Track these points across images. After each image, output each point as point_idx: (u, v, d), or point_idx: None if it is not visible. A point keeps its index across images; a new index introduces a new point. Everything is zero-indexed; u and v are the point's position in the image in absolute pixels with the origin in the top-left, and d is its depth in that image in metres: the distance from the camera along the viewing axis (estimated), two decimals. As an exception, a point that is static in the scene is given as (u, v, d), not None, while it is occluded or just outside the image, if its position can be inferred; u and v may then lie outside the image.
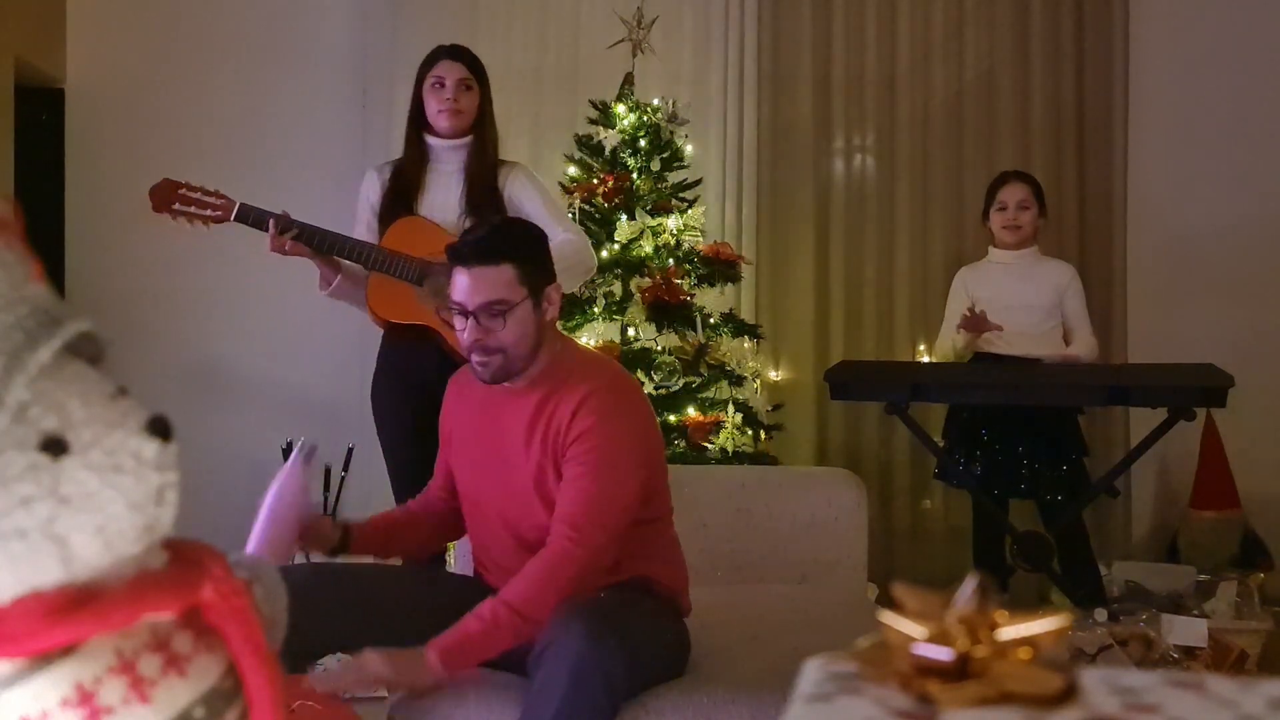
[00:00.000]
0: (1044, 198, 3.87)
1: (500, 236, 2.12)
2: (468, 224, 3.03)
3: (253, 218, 3.00)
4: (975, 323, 3.62)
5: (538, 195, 3.12)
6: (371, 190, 3.15)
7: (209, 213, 3.02)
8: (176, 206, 3.02)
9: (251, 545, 1.86)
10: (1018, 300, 3.76)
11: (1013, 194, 3.80)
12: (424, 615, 2.07)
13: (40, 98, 4.37)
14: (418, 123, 3.11)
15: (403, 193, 3.08)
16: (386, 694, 2.12)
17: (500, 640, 1.94)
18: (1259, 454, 4.29)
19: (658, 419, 3.69)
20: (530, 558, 2.02)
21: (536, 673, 1.90)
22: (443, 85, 3.05)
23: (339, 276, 3.08)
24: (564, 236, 3.03)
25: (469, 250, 2.08)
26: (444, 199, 3.06)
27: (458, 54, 3.10)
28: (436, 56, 3.10)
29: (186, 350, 4.43)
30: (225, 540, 1.01)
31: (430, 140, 3.09)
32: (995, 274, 3.84)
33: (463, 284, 2.07)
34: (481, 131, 3.10)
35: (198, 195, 3.02)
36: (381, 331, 3.16)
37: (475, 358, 2.10)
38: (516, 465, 2.13)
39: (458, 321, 2.10)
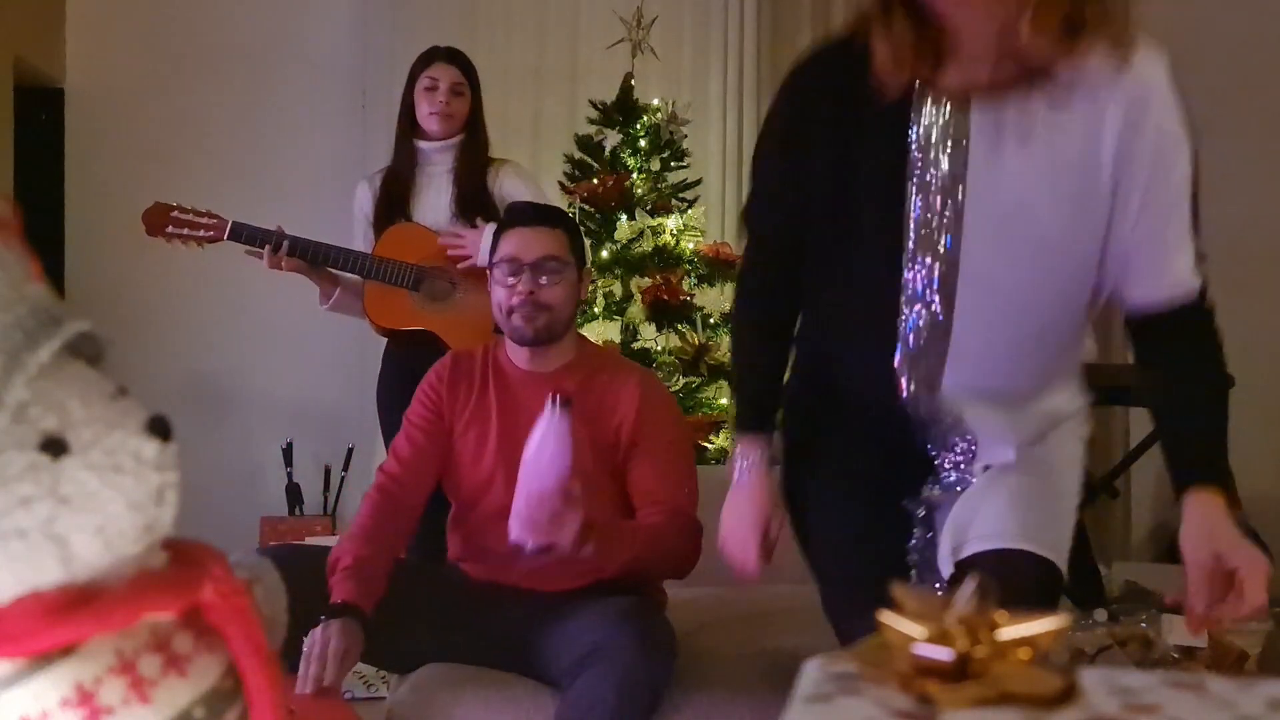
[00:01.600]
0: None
1: (556, 208, 2.32)
2: (459, 226, 3.04)
3: (245, 235, 3.00)
4: None
5: (529, 192, 3.12)
6: (364, 200, 3.16)
7: (202, 234, 3.03)
8: (170, 230, 3.03)
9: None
10: None
11: None
12: (420, 610, 2.07)
13: (40, 98, 4.38)
14: (408, 124, 3.11)
15: (395, 198, 3.09)
16: (385, 695, 2.12)
17: (634, 552, 1.96)
18: (1259, 454, 4.29)
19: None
20: None
21: (575, 679, 1.85)
22: (436, 88, 3.04)
23: (337, 290, 3.09)
24: None
25: (531, 210, 2.25)
26: (435, 201, 3.06)
27: (453, 57, 3.09)
28: (432, 58, 3.09)
29: (186, 349, 4.44)
30: (225, 541, 1.01)
31: (419, 144, 3.09)
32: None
33: (521, 239, 2.15)
34: (473, 133, 3.10)
35: (189, 217, 3.04)
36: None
37: (520, 314, 2.12)
38: None
39: (507, 279, 2.14)
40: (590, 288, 3.76)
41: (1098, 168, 1.42)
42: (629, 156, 3.90)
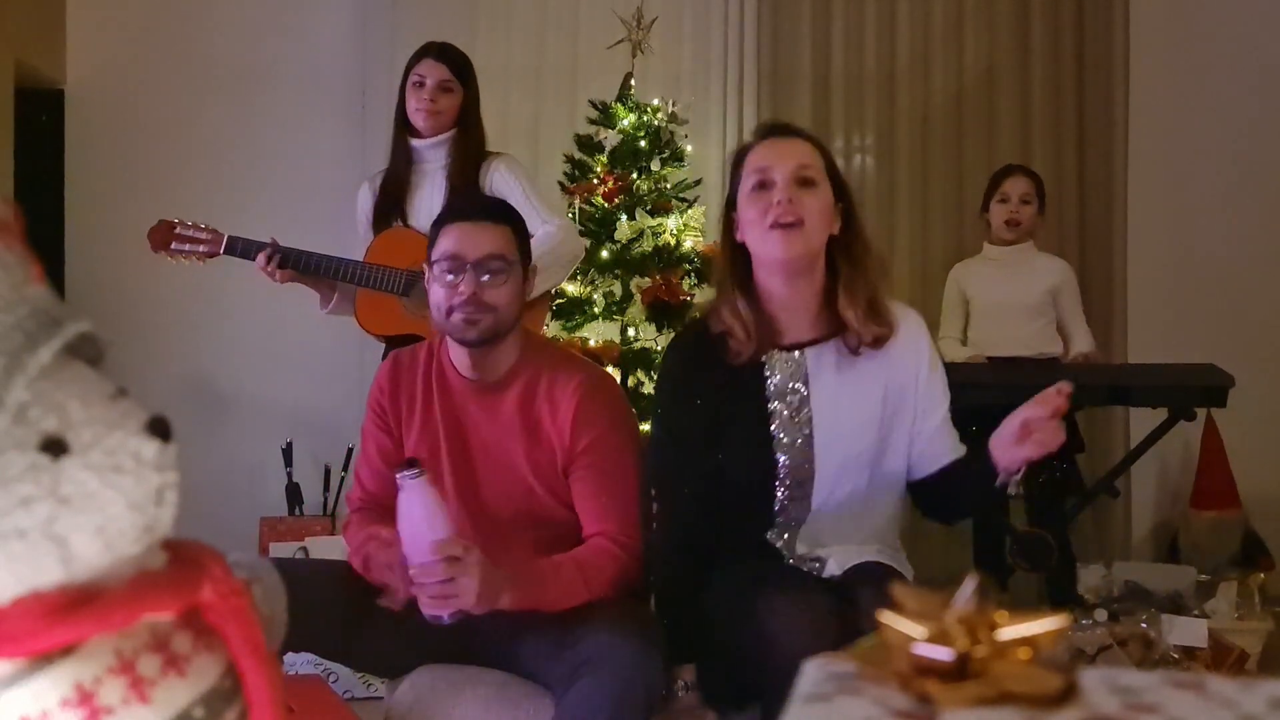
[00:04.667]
0: (1045, 195, 3.86)
1: (501, 202, 2.11)
2: None
3: (240, 249, 3.04)
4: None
5: (519, 186, 3.11)
6: (365, 202, 3.18)
7: (201, 249, 3.07)
8: (174, 246, 3.08)
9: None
10: (1009, 298, 3.75)
11: (1016, 186, 3.79)
12: (404, 616, 2.05)
13: (40, 99, 4.37)
14: (402, 121, 3.11)
15: (392, 198, 3.09)
16: (383, 695, 2.11)
17: (557, 591, 1.90)
18: (1259, 454, 4.28)
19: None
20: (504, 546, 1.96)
21: (570, 688, 1.82)
22: (423, 85, 3.05)
23: (335, 295, 3.11)
24: (544, 229, 3.02)
25: (474, 205, 2.07)
26: (430, 199, 3.07)
27: (443, 54, 3.09)
28: (423, 54, 3.10)
29: (186, 349, 4.43)
30: (225, 541, 1.01)
31: (413, 142, 3.09)
32: (988, 270, 3.83)
33: (464, 235, 1.99)
34: (465, 129, 3.10)
35: (190, 232, 3.07)
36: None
37: (463, 314, 1.99)
38: (503, 462, 2.06)
39: (447, 278, 2.00)
40: (590, 288, 3.77)
41: (900, 394, 2.03)
42: (629, 157, 3.90)
